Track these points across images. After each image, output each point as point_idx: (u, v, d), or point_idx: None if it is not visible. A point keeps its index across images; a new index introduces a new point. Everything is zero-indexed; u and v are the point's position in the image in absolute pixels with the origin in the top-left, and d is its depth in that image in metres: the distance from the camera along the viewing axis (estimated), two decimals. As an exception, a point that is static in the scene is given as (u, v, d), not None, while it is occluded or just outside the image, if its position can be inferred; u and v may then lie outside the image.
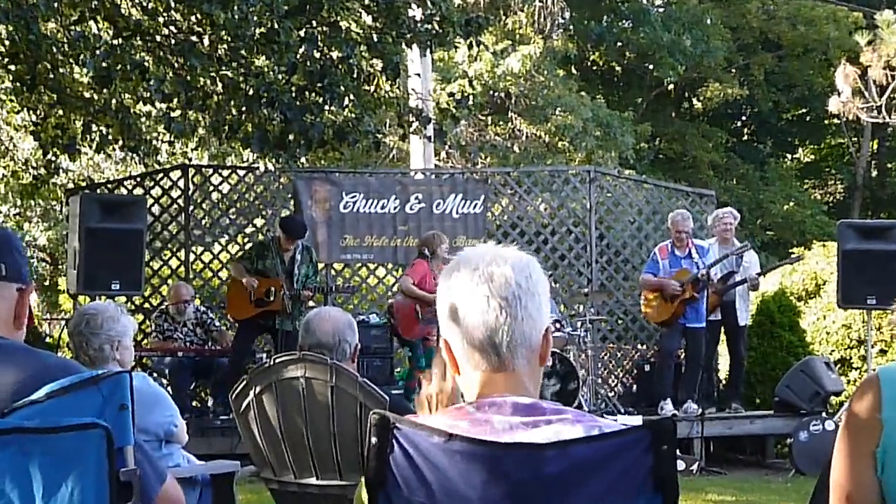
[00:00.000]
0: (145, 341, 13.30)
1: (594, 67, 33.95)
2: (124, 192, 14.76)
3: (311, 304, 12.56)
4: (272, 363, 5.76)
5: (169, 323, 13.04)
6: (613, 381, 16.06)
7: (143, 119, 13.45)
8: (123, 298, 13.98)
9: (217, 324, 13.09)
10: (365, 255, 14.82)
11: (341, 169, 15.56)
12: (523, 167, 17.08)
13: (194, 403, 13.81)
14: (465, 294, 2.58)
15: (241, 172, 15.30)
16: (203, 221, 15.11)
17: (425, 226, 14.44)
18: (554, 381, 12.98)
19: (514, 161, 20.78)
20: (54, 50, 11.35)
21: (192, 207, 14.97)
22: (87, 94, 12.62)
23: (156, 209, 14.94)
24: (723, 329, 14.04)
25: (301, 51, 10.82)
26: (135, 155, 13.25)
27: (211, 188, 15.21)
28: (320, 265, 13.75)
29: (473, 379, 2.59)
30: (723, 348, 14.52)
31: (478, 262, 2.59)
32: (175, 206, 15.00)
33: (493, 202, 15.67)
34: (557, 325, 13.40)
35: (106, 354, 5.38)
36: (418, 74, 16.59)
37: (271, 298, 12.09)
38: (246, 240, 15.03)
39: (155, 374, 12.62)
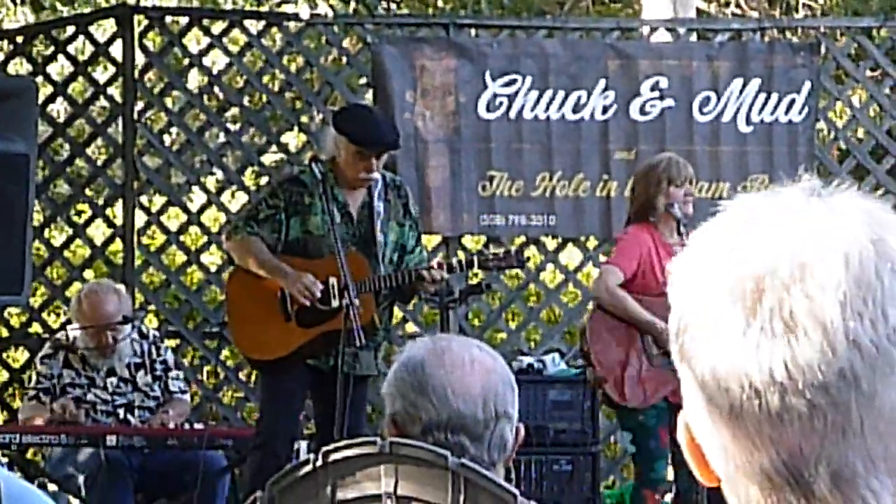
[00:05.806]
0: (20, 411, 8.58)
1: None
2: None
3: (410, 327, 9.81)
4: (321, 463, 3.61)
5: (75, 371, 8.36)
6: None
7: None
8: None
9: (181, 380, 8.42)
10: (535, 219, 10.00)
11: (481, 20, 10.56)
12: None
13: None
14: (711, 317, 1.15)
15: (252, 26, 10.20)
16: (164, 136, 10.39)
17: (675, 151, 9.09)
18: None
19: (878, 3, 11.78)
20: None
21: (138, 103, 10.05)
22: None
23: (58, 108, 10.77)
24: None
25: None
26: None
27: (182, 61, 10.55)
28: (430, 238, 9.81)
29: None
30: None
31: (761, 234, 1.15)
32: (101, 99, 10.25)
33: (827, 96, 9.90)
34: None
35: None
36: None
37: (332, 303, 7.51)
38: (258, 178, 10.78)
39: (54, 489, 8.00)
